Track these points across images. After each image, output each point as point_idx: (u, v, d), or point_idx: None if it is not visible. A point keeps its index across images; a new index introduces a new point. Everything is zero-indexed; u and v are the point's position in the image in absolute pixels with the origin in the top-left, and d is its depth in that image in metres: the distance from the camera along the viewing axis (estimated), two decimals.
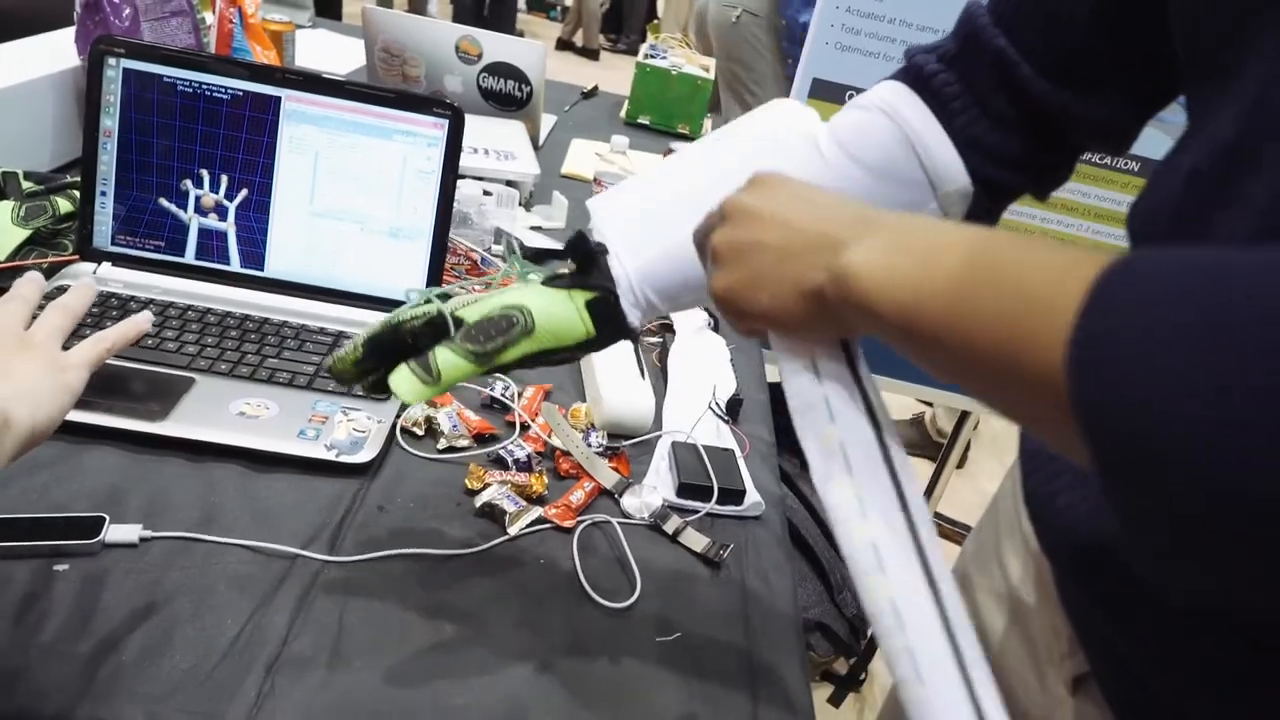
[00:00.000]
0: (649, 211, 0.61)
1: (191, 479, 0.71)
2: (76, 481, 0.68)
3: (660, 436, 0.86)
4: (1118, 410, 0.27)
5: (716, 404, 0.88)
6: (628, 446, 0.85)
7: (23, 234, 0.91)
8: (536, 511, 0.74)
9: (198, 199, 0.90)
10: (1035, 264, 0.33)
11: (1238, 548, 0.26)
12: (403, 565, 0.67)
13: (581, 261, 0.60)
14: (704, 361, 0.96)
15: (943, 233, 0.38)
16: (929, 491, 1.63)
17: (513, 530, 0.72)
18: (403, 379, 0.56)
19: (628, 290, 0.58)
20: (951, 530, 1.91)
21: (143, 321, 0.62)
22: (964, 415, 1.52)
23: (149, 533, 0.64)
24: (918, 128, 0.57)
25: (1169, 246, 0.30)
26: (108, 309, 0.85)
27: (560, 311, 0.58)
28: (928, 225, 0.40)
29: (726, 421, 0.89)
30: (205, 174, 0.90)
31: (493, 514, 0.73)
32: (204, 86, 0.88)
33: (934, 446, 2.38)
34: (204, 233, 0.91)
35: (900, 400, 2.27)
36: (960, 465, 1.95)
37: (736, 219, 0.47)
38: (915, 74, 0.58)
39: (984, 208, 0.59)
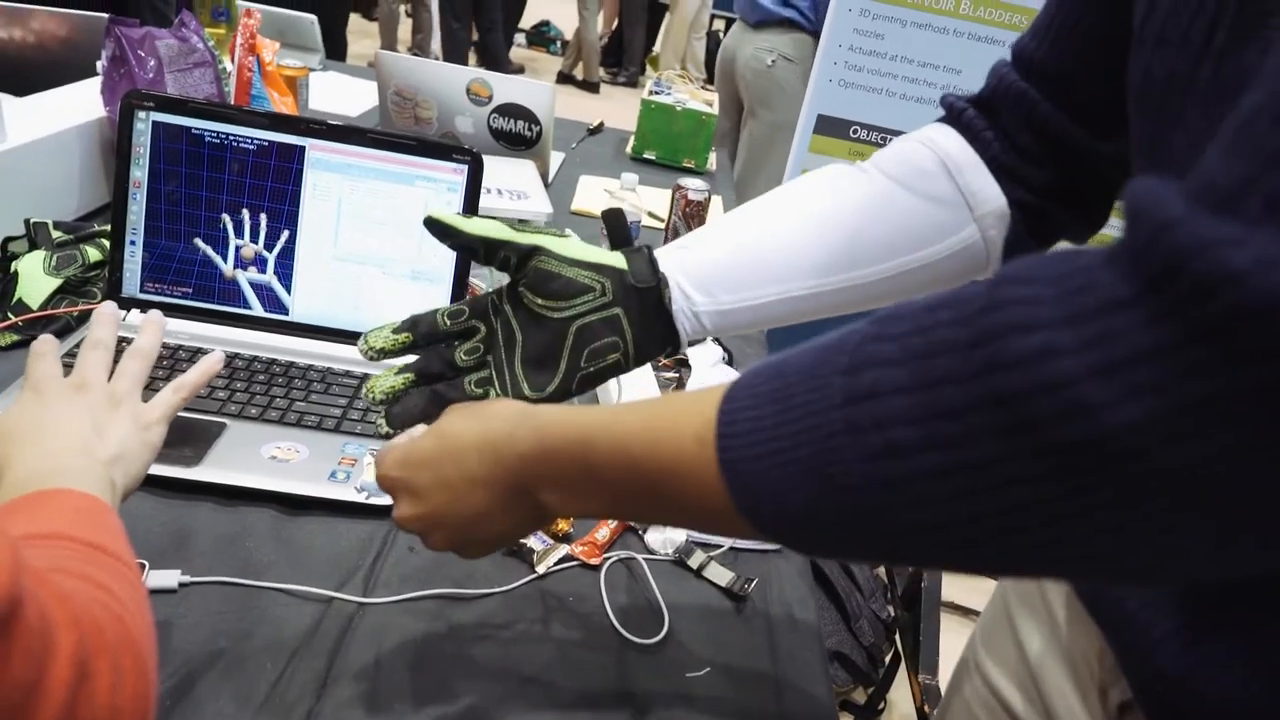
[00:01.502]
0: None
1: (226, 523, 0.72)
2: None
3: None
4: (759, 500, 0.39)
5: None
6: None
7: (54, 283, 0.94)
8: (563, 549, 0.75)
9: (238, 249, 0.92)
10: (657, 457, 0.43)
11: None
12: (436, 605, 0.68)
13: (615, 232, 0.62)
14: None
15: (575, 447, 0.47)
16: None
17: (541, 568, 0.73)
18: (439, 210, 0.58)
19: (675, 287, 0.59)
20: None
21: (215, 363, 0.63)
22: None
23: (188, 578, 0.66)
24: (951, 151, 0.61)
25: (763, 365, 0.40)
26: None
27: (594, 247, 0.60)
28: (555, 444, 0.47)
29: None
30: (246, 218, 0.92)
31: (520, 553, 0.74)
32: (230, 137, 0.91)
33: None
34: (244, 285, 0.93)
35: None
36: None
37: (425, 528, 0.53)
38: (949, 111, 0.63)
39: (1026, 241, 0.61)
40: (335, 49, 2.56)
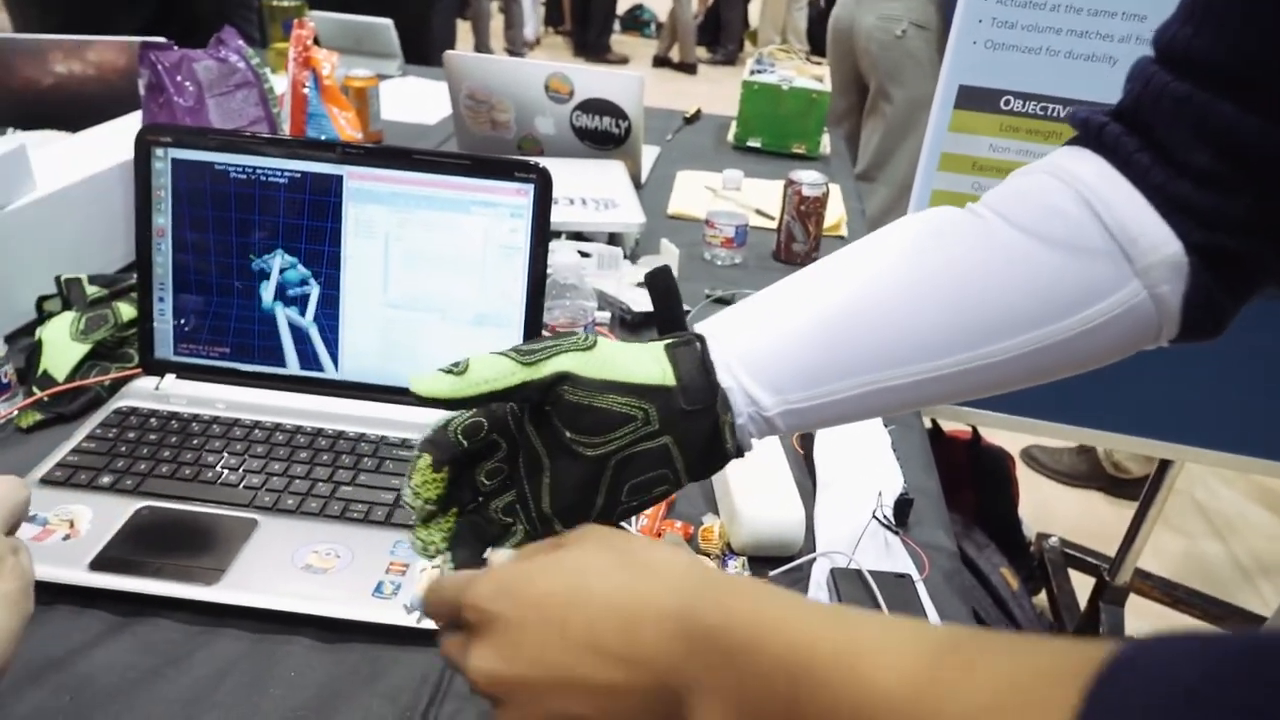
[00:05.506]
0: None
1: (250, 660, 0.58)
2: (117, 671, 0.57)
3: (815, 559, 0.69)
4: None
5: (884, 515, 0.71)
6: (776, 574, 0.68)
7: (82, 350, 0.83)
8: None
9: (282, 272, 0.79)
10: None
11: None
12: None
13: (661, 305, 0.48)
14: (860, 452, 0.79)
15: (784, 664, 0.29)
16: (1129, 541, 1.39)
17: None
18: (424, 373, 0.42)
19: (725, 370, 0.45)
20: (1162, 592, 1.64)
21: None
22: (1165, 464, 1.28)
23: None
24: (1094, 184, 0.44)
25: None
26: (167, 431, 0.75)
27: (630, 349, 0.45)
28: (757, 645, 0.30)
29: (896, 532, 0.71)
30: (279, 257, 0.79)
31: None
32: (258, 171, 0.77)
33: (1107, 479, 2.10)
34: (289, 331, 0.80)
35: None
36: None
37: (508, 697, 0.36)
38: (1082, 129, 0.46)
39: (1216, 295, 0.44)
40: (427, 53, 2.43)
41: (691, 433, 0.44)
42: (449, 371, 0.42)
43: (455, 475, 0.46)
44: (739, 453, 0.46)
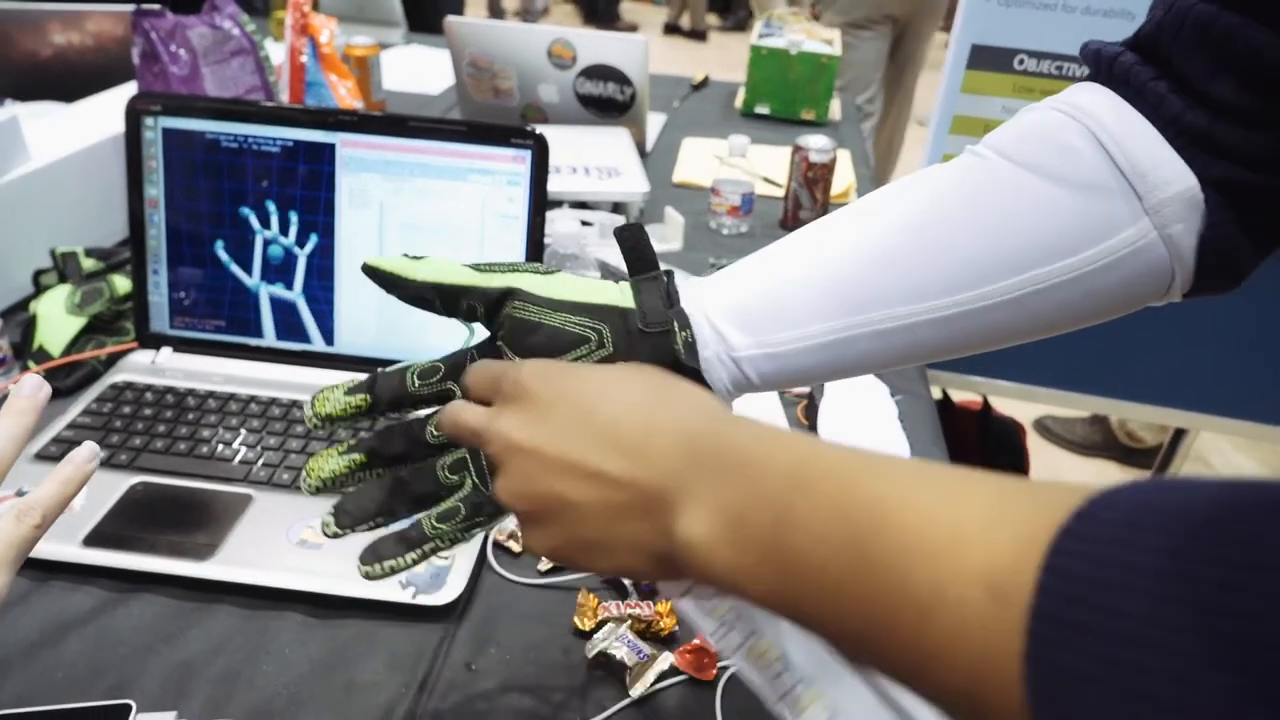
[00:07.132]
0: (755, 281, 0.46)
1: (242, 635, 0.58)
2: (109, 647, 0.56)
3: None
4: None
5: None
6: None
7: (78, 323, 0.82)
8: (666, 659, 0.57)
9: (266, 245, 0.77)
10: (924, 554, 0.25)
11: None
12: None
13: (632, 257, 0.45)
14: (865, 421, 0.77)
15: (782, 475, 0.31)
16: None
17: (636, 690, 0.55)
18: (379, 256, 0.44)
19: (691, 302, 0.44)
20: None
21: (84, 464, 0.42)
22: (1180, 432, 1.26)
23: None
24: (1103, 117, 0.42)
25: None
26: (163, 406, 0.74)
27: (594, 280, 0.45)
28: (760, 459, 0.32)
29: None
30: (267, 224, 0.77)
31: (610, 666, 0.57)
32: (250, 140, 0.75)
33: (1120, 449, 2.07)
34: (273, 306, 0.79)
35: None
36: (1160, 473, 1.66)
37: (515, 463, 0.36)
38: (1094, 64, 0.44)
39: (1235, 236, 0.41)
40: (433, 21, 2.37)
41: (651, 360, 0.41)
42: (406, 256, 0.43)
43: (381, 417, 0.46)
44: (697, 377, 0.43)
